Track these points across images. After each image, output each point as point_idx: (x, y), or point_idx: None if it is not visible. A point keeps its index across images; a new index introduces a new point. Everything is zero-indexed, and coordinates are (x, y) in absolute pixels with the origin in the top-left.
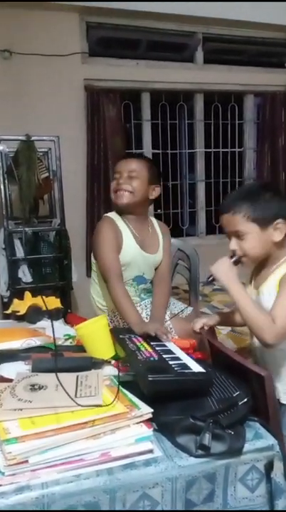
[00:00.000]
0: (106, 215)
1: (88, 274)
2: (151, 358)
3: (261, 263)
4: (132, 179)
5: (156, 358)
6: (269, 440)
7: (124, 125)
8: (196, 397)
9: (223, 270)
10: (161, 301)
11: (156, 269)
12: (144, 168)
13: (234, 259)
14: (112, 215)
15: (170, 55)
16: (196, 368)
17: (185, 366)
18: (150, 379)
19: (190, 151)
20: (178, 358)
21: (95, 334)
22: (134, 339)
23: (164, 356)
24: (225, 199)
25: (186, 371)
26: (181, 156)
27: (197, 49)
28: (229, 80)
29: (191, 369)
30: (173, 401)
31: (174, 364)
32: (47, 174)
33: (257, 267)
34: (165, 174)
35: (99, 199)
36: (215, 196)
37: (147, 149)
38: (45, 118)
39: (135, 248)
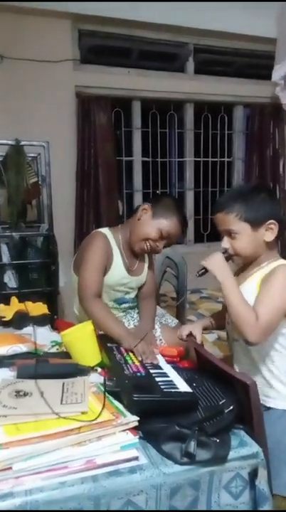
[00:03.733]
0: (100, 230)
1: None
2: (138, 374)
3: (249, 262)
4: (164, 248)
5: (143, 374)
6: (254, 448)
7: (115, 132)
8: (189, 413)
9: (217, 263)
10: (147, 313)
11: (140, 288)
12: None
13: (225, 256)
14: (106, 232)
15: (161, 64)
16: (182, 386)
17: (172, 385)
18: (135, 398)
19: (179, 159)
20: (165, 375)
21: (81, 341)
22: (121, 349)
23: (151, 372)
24: (219, 198)
25: (173, 391)
26: (170, 165)
27: (188, 59)
28: (219, 90)
29: (177, 388)
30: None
31: (161, 382)
32: (36, 179)
33: (242, 266)
34: (154, 182)
35: (89, 205)
36: (203, 205)
37: (137, 157)
38: (36, 123)
39: (122, 271)
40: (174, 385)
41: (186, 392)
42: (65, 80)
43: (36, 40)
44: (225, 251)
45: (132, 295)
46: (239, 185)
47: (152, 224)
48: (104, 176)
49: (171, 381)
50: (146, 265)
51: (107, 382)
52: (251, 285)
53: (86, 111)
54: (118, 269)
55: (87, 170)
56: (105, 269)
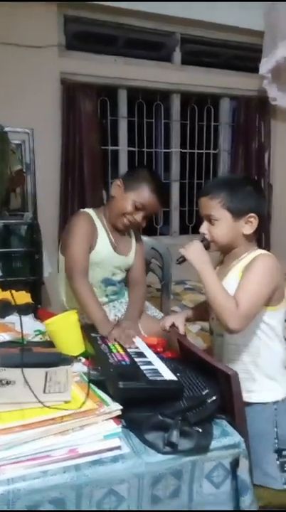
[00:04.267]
0: (83, 210)
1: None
2: (123, 362)
3: (227, 255)
4: (145, 219)
5: (128, 363)
6: (236, 438)
7: (100, 121)
8: (172, 402)
9: (196, 252)
10: (135, 303)
11: (128, 272)
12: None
13: (204, 242)
14: (90, 211)
15: (148, 53)
16: (167, 375)
17: (157, 373)
18: (121, 386)
19: (165, 150)
20: (150, 363)
21: (64, 330)
22: (105, 339)
23: (136, 360)
24: (207, 183)
25: (158, 379)
26: (156, 155)
27: (175, 49)
28: (206, 82)
29: (162, 376)
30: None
31: (146, 370)
32: (20, 167)
33: (223, 260)
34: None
35: (73, 194)
36: (189, 197)
37: (123, 147)
38: (20, 110)
39: (108, 248)
40: (159, 373)
41: (171, 381)
42: (50, 66)
43: (21, 25)
44: (203, 239)
45: (119, 277)
46: (229, 174)
47: (125, 197)
48: (89, 165)
49: (156, 369)
50: (133, 246)
51: (91, 372)
52: (232, 277)
53: (71, 98)
54: (104, 246)
55: (71, 158)
56: (91, 246)
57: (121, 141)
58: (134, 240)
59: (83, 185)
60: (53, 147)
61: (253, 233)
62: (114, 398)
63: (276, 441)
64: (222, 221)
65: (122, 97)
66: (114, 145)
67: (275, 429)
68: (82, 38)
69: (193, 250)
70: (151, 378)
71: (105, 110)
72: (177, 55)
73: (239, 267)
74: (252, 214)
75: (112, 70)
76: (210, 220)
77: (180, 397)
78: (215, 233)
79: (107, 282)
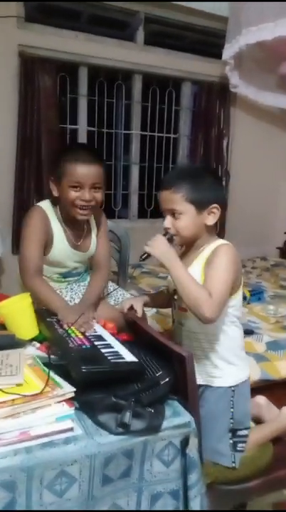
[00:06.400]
0: (38, 204)
1: (14, 252)
2: (84, 346)
3: (188, 247)
4: (96, 190)
5: (89, 346)
6: (186, 417)
7: (60, 98)
8: (127, 384)
9: (161, 248)
10: (94, 284)
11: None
12: (103, 175)
13: (166, 236)
14: (46, 206)
15: (111, 31)
16: (128, 356)
17: (118, 355)
18: (84, 370)
19: (126, 132)
20: (109, 346)
21: (17, 313)
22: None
23: (96, 344)
24: (167, 175)
25: (120, 361)
26: (116, 136)
27: (138, 29)
28: (168, 64)
29: (124, 358)
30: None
31: (107, 353)
32: None
33: (184, 252)
34: (99, 153)
35: (30, 174)
36: (148, 180)
37: (82, 126)
38: None
39: (66, 247)
40: (120, 355)
41: (132, 362)
42: (8, 37)
43: None
44: (166, 232)
45: (81, 269)
46: (187, 164)
47: (62, 188)
48: (46, 144)
49: (116, 352)
50: (93, 239)
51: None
52: (195, 270)
53: (29, 73)
54: (61, 245)
55: (29, 136)
56: (46, 245)
57: (80, 121)
58: (94, 228)
59: (40, 163)
60: (8, 124)
61: (214, 223)
62: (76, 382)
63: (231, 421)
64: (185, 214)
65: (83, 75)
66: (73, 124)
67: (231, 410)
68: (43, 10)
69: (158, 246)
70: (112, 361)
71: (65, 87)
72: (140, 35)
73: (201, 258)
74: (215, 205)
75: (73, 45)
76: (174, 214)
77: (142, 378)
78: (180, 227)
79: (67, 275)
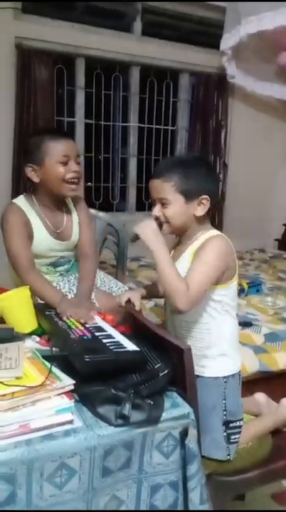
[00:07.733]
0: (13, 201)
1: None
2: (85, 337)
3: (180, 237)
4: (79, 165)
5: (90, 337)
6: (185, 409)
7: (57, 90)
8: (129, 374)
9: (150, 232)
10: (84, 278)
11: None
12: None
13: (156, 221)
14: (21, 202)
15: (107, 22)
16: (129, 346)
17: (119, 345)
18: (87, 359)
19: (123, 124)
20: (110, 336)
21: (17, 306)
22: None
23: (97, 334)
24: (159, 164)
25: (122, 350)
26: (114, 129)
27: (135, 19)
28: (166, 55)
29: (125, 347)
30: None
31: (108, 343)
32: None
33: (177, 242)
34: (97, 146)
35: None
36: (146, 173)
37: (80, 118)
38: None
39: (47, 237)
40: (122, 345)
41: (134, 351)
42: (4, 28)
43: None
44: (155, 220)
45: (68, 257)
46: (180, 154)
47: (49, 168)
48: None
49: (117, 341)
50: (75, 226)
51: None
52: (185, 260)
53: (26, 64)
54: (42, 236)
55: (25, 128)
56: (29, 237)
57: (78, 113)
58: (75, 216)
59: None
60: (5, 115)
61: (205, 214)
62: (79, 372)
63: (224, 413)
64: (174, 204)
65: (80, 67)
66: (70, 116)
67: (224, 402)
68: (39, 1)
69: (146, 228)
70: (115, 350)
71: (62, 79)
72: (137, 26)
73: (191, 249)
74: (205, 196)
75: (69, 37)
76: (163, 203)
77: (144, 367)
78: (169, 215)
79: (56, 264)
